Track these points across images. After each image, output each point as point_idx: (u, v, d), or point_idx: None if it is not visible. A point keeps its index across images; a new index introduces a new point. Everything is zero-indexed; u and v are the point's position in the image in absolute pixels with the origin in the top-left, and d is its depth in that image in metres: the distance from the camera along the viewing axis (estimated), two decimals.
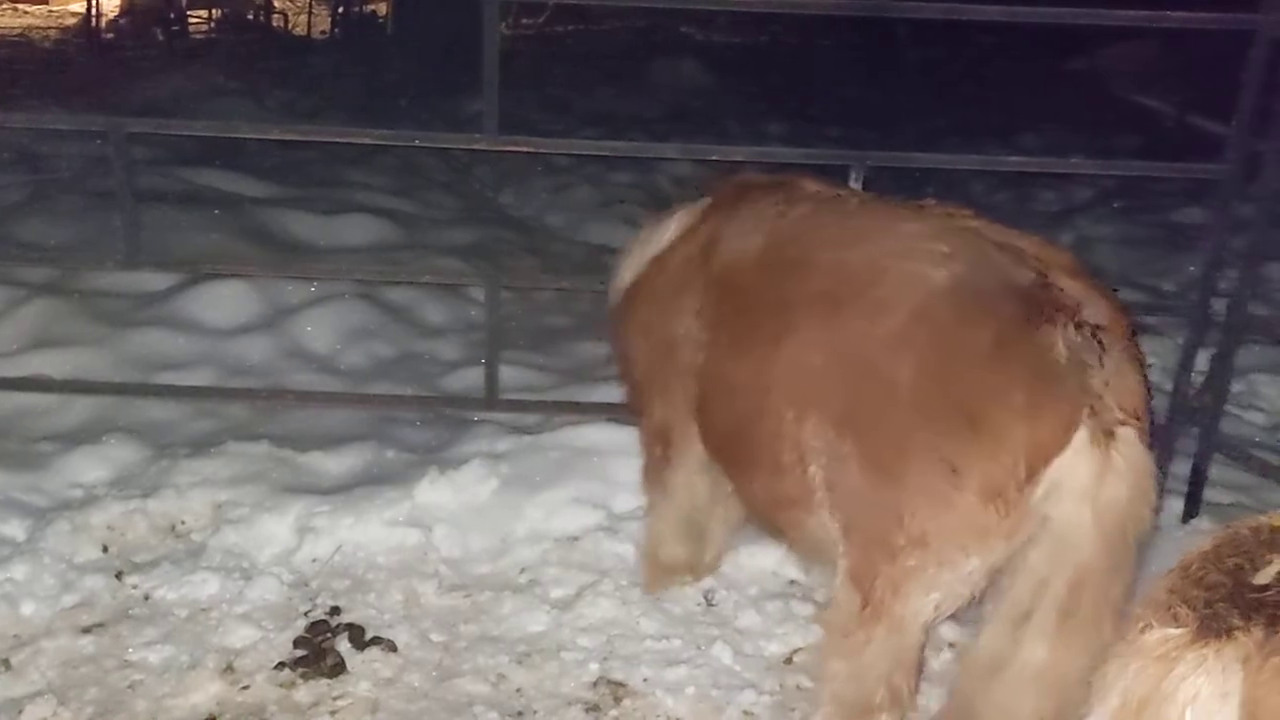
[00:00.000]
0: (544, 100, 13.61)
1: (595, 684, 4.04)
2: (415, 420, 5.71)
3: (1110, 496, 2.92)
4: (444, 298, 7.14)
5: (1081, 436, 2.88)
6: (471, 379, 5.89)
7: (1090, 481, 2.90)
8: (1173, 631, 2.12)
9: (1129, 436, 2.91)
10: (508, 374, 6.02)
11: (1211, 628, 2.10)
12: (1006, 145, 12.17)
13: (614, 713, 3.92)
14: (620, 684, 4.04)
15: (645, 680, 4.05)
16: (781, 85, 16.03)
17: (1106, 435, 2.88)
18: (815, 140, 12.04)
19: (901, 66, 17.26)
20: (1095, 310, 2.97)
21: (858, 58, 17.27)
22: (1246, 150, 4.33)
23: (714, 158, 4.54)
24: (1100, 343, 2.91)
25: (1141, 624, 2.24)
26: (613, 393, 5.85)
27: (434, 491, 4.91)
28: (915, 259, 3.13)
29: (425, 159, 10.17)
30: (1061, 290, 2.98)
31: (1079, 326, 2.91)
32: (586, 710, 3.93)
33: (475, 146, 5.89)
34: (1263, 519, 2.53)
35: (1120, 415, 2.90)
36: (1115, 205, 10.46)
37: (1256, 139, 4.32)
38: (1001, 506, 2.92)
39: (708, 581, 4.54)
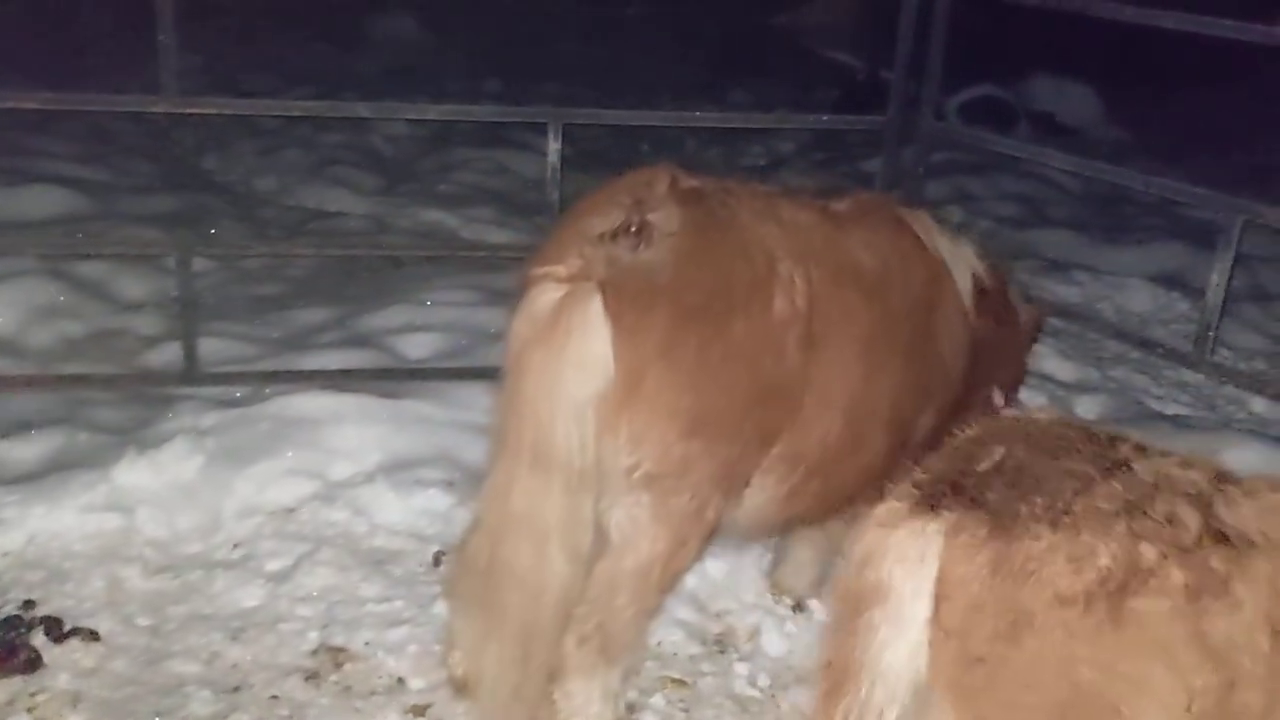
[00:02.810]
0: (252, 58, 12.99)
1: (315, 652, 4.01)
2: (111, 400, 5.41)
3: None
4: (141, 270, 6.75)
5: (542, 292, 3.18)
6: (173, 354, 5.64)
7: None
8: (896, 504, 2.51)
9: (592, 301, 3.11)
10: (214, 346, 5.81)
11: (925, 503, 2.48)
12: (718, 101, 12.60)
13: (334, 678, 3.91)
14: (341, 649, 4.03)
15: (367, 643, 4.05)
16: (499, 42, 15.93)
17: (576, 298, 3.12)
18: (532, 98, 12.06)
19: (621, 24, 17.49)
20: (666, 223, 3.23)
21: (577, 15, 17.36)
22: (905, 98, 4.68)
23: (410, 116, 4.49)
24: (642, 240, 3.18)
25: (885, 498, 2.61)
26: (325, 359, 5.77)
27: (134, 472, 4.69)
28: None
29: (117, 123, 9.54)
30: (641, 204, 3.26)
31: (631, 227, 3.19)
32: (306, 679, 3.89)
33: (153, 109, 5.57)
34: (1042, 415, 2.85)
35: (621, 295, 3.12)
36: (817, 158, 11.07)
37: (915, 86, 4.67)
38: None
39: (435, 545, 4.56)
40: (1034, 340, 4.62)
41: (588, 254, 3.16)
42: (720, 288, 3.23)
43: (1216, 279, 4.81)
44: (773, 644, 4.22)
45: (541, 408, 3.14)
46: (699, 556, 3.62)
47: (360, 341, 6.11)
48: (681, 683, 4.00)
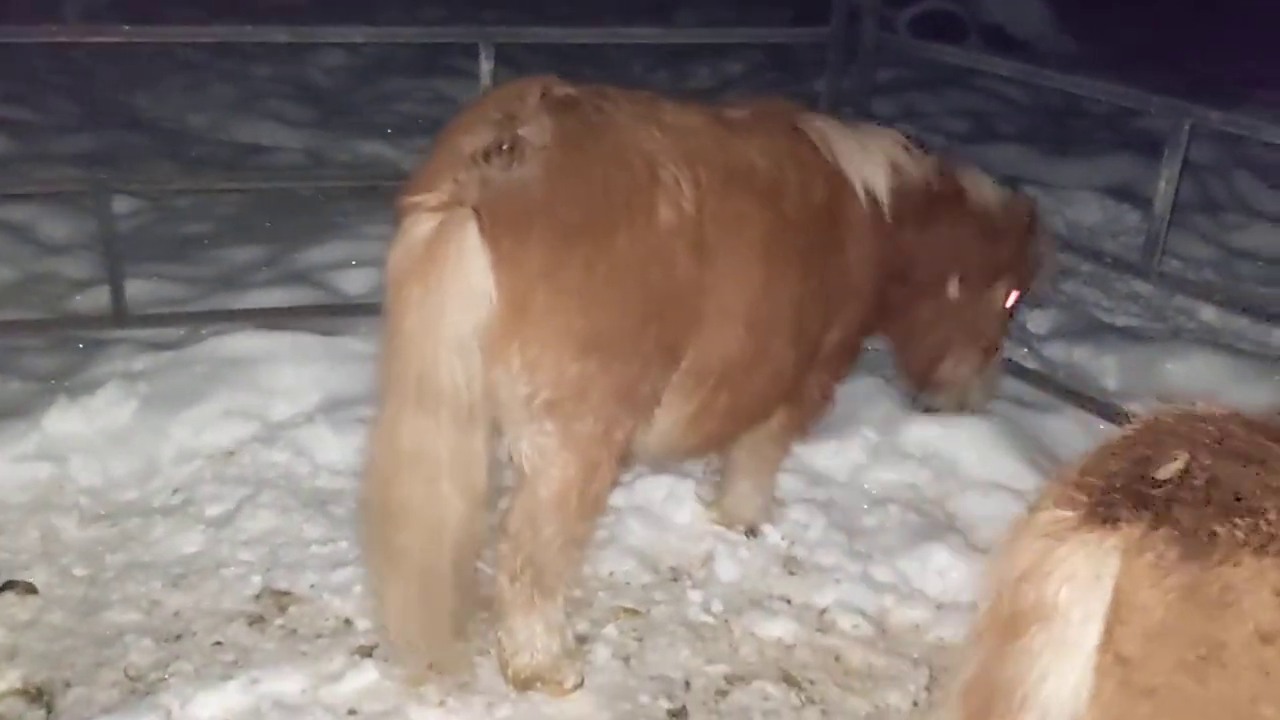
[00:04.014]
0: None
1: (258, 596, 3.92)
2: (40, 346, 5.23)
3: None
4: (67, 212, 6.53)
5: (415, 222, 3.04)
6: (104, 297, 5.46)
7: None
8: (1063, 513, 2.18)
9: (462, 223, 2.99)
10: (145, 288, 5.64)
11: (1099, 515, 2.15)
12: (665, 21, 12.34)
13: (279, 621, 3.83)
14: (285, 593, 3.94)
15: (312, 586, 3.97)
16: None
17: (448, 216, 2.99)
18: (477, 20, 11.74)
19: None
20: (538, 136, 3.07)
21: None
22: (849, 10, 4.55)
23: (333, 40, 4.30)
24: (514, 157, 3.02)
25: (1041, 504, 2.29)
26: (260, 298, 5.61)
27: (65, 420, 4.54)
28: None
29: (38, 60, 9.18)
30: (512, 119, 3.09)
31: (502, 144, 3.02)
32: (250, 623, 3.81)
33: (56, 39, 5.29)
34: (1197, 407, 2.47)
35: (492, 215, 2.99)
36: (767, 78, 10.88)
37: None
38: None
39: None
40: (1022, 230, 4.39)
41: (460, 177, 2.99)
42: (600, 200, 3.08)
43: (1164, 187, 4.75)
44: (726, 570, 4.18)
45: (424, 344, 3.00)
46: (616, 479, 3.52)
47: (296, 279, 5.95)
48: (634, 612, 3.96)
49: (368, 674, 3.55)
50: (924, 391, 4.75)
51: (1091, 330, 6.21)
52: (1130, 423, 2.42)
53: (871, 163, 3.95)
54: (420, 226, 3.00)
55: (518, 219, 2.97)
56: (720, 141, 3.45)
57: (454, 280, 2.95)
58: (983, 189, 4.34)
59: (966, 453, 4.93)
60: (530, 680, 3.45)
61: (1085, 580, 2.11)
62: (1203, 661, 2.09)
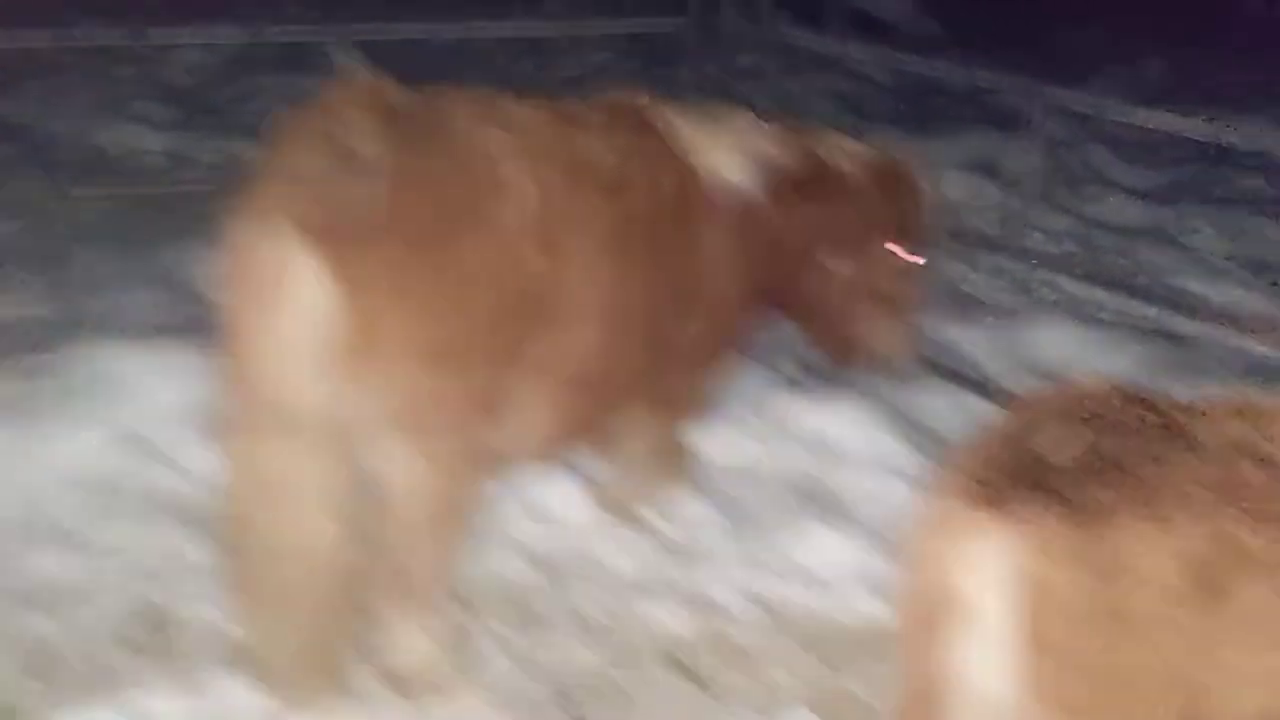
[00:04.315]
0: None
1: (133, 616, 3.81)
2: None
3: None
4: None
5: (248, 243, 2.98)
6: None
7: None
8: (963, 506, 2.26)
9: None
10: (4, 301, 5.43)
11: (997, 504, 2.22)
12: (535, 13, 12.25)
13: (155, 640, 3.73)
14: (160, 610, 3.84)
15: (188, 604, 3.85)
16: None
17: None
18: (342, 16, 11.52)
19: None
20: (370, 145, 2.98)
21: None
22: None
23: (194, 41, 4.17)
24: (347, 169, 2.95)
25: (941, 499, 2.36)
26: (125, 307, 5.44)
27: None
28: None
29: None
30: (342, 129, 3.01)
31: (334, 156, 2.96)
32: (123, 645, 3.70)
33: None
34: (1085, 384, 2.57)
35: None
36: (631, 67, 10.88)
37: None
38: None
39: None
40: (893, 185, 4.29)
41: (291, 191, 2.92)
42: (439, 206, 3.04)
43: (1023, 164, 4.92)
44: (613, 561, 4.21)
45: (270, 369, 2.92)
46: (482, 485, 3.46)
47: (166, 287, 5.78)
48: (523, 609, 3.96)
49: (246, 692, 3.46)
50: (850, 363, 4.65)
51: (959, 305, 6.39)
52: (1011, 403, 2.54)
53: (724, 149, 3.92)
54: (252, 244, 2.91)
55: (355, 231, 2.90)
56: (564, 138, 3.42)
57: (295, 302, 2.87)
58: (844, 154, 4.27)
59: (845, 431, 5.05)
60: (417, 688, 3.41)
61: (993, 570, 2.20)
62: (1111, 627, 2.20)
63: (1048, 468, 2.25)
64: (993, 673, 2.22)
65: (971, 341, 6.06)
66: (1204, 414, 2.44)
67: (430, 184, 3.05)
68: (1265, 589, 2.24)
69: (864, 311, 4.39)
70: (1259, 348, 5.82)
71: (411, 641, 3.36)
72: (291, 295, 2.88)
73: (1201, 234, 8.13)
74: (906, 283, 4.50)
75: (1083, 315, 6.49)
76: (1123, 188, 8.92)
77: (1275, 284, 7.26)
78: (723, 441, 4.87)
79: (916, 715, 2.35)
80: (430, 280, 3.00)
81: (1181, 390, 5.71)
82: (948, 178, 8.42)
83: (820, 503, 4.66)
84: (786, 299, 4.34)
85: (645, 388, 3.88)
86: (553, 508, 4.40)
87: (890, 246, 4.36)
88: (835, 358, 4.66)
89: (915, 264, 4.44)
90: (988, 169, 8.56)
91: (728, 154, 3.92)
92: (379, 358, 3.00)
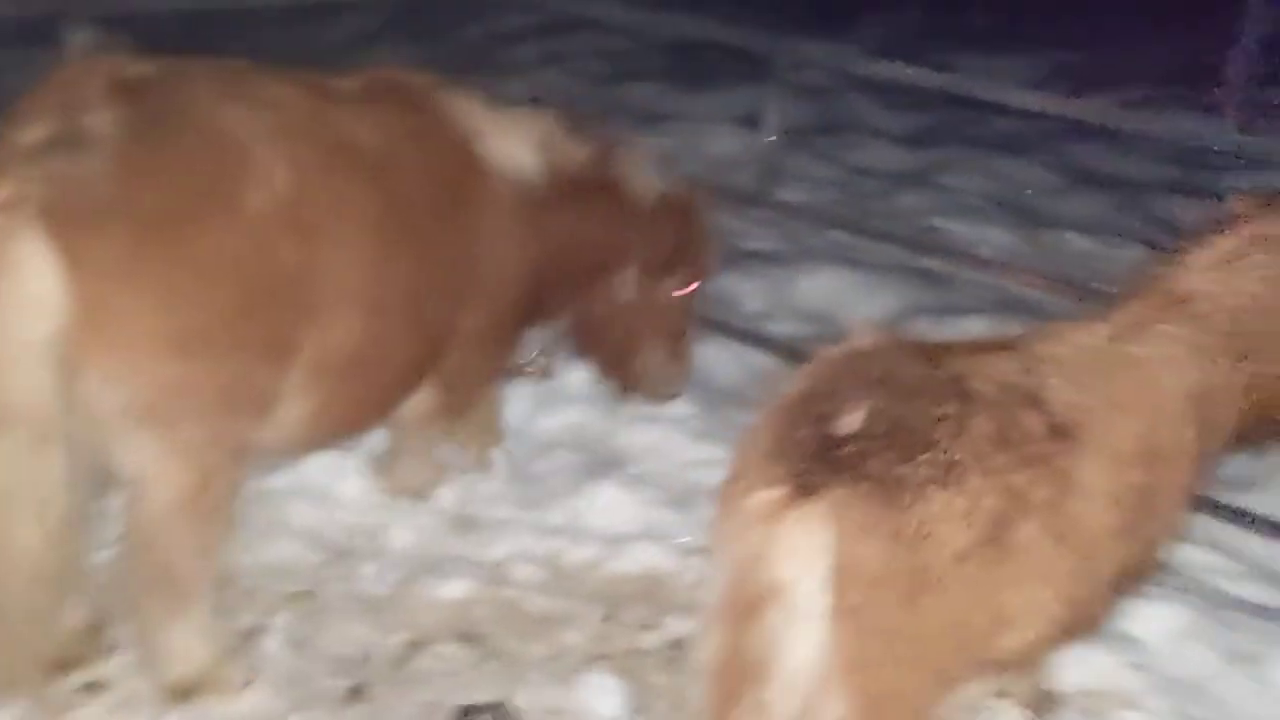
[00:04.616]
0: None
1: None
2: None
3: None
4: None
5: None
6: None
7: None
8: (773, 494, 2.31)
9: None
10: None
11: (803, 486, 2.29)
12: None
13: None
14: None
15: None
16: None
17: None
18: None
19: None
20: (104, 124, 2.85)
21: None
22: None
23: None
24: (79, 149, 2.81)
25: (744, 484, 2.40)
26: None
27: None
28: None
29: None
30: (74, 107, 2.86)
31: (65, 135, 2.81)
32: None
33: None
34: (858, 343, 2.64)
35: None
36: (405, 32, 10.64)
37: None
38: None
39: None
40: (684, 220, 4.32)
41: (18, 174, 2.74)
42: (181, 189, 2.90)
43: (785, 116, 5.06)
44: (398, 539, 4.16)
45: None
46: (237, 481, 3.30)
47: None
48: (305, 595, 3.87)
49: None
50: (627, 390, 4.65)
51: (731, 257, 6.54)
52: (799, 370, 2.60)
53: (516, 144, 3.84)
54: None
55: (87, 216, 2.75)
56: (321, 116, 3.29)
57: (19, 289, 2.70)
58: (642, 179, 4.25)
59: None
60: (192, 691, 3.28)
61: (806, 553, 2.28)
62: (916, 592, 2.32)
63: (844, 440, 2.34)
64: (805, 648, 2.32)
65: (744, 292, 6.23)
66: (976, 358, 2.60)
67: (167, 167, 2.90)
68: (1036, 529, 2.43)
69: (645, 340, 4.45)
70: (1011, 285, 6.20)
71: (182, 646, 3.22)
72: (14, 279, 2.71)
73: (958, 176, 8.57)
74: (684, 316, 4.56)
75: (849, 260, 6.75)
76: (883, 134, 9.30)
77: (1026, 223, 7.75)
78: (506, 407, 4.86)
79: (730, 694, 2.41)
80: (167, 266, 2.85)
81: (948, 331, 6.09)
82: (719, 132, 8.62)
83: (604, 460, 4.72)
84: (567, 315, 4.35)
85: (424, 374, 3.79)
86: (332, 490, 4.30)
87: (672, 279, 4.40)
88: (614, 384, 4.66)
89: (692, 293, 4.51)
90: (756, 121, 8.76)
91: (518, 150, 3.84)
92: (116, 347, 2.85)
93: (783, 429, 2.42)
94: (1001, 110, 9.30)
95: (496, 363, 4.25)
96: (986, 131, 9.52)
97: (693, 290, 4.51)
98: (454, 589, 3.94)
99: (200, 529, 3.15)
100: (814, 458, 2.32)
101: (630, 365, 4.51)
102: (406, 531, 4.19)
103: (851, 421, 2.35)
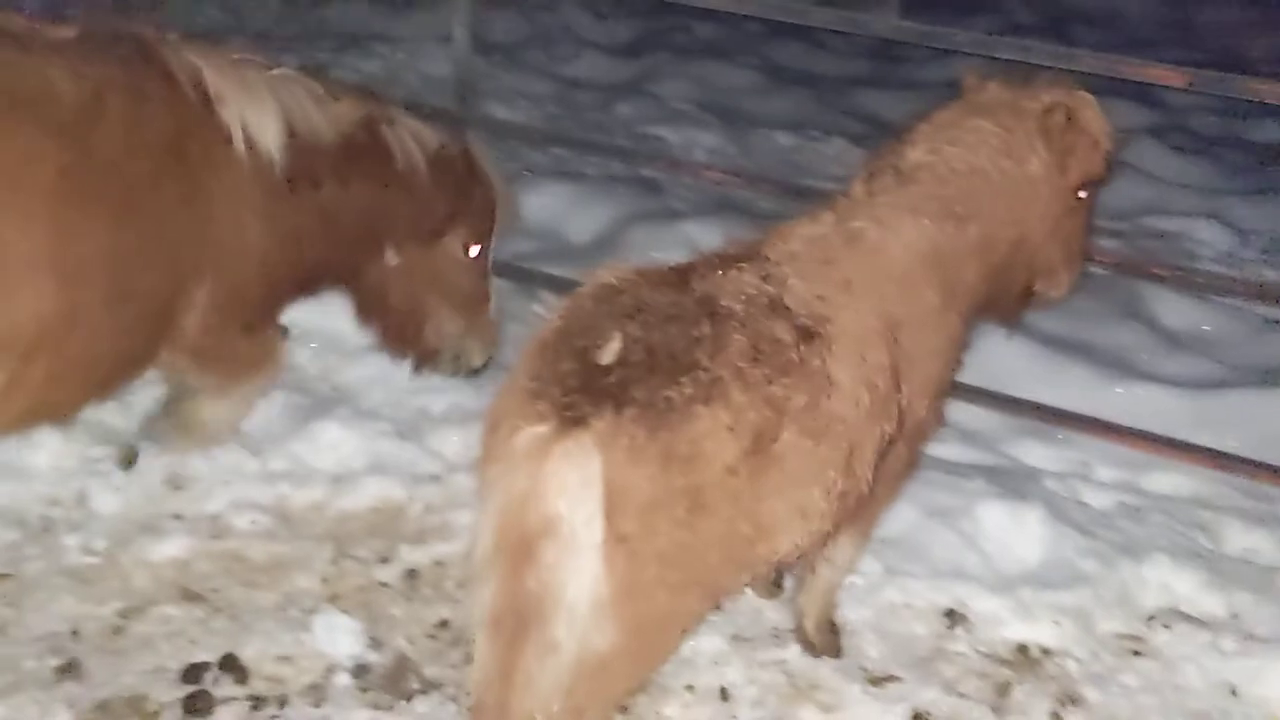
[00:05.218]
0: None
1: None
2: None
3: None
4: None
5: None
6: None
7: None
8: (538, 429, 2.23)
9: None
10: None
11: (569, 419, 2.22)
12: None
13: None
14: None
15: None
16: None
17: None
18: None
19: None
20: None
21: None
22: None
23: None
24: None
25: (508, 425, 2.31)
26: None
27: None
28: None
29: None
30: None
31: None
32: None
33: None
34: (607, 278, 2.55)
35: None
36: None
37: None
38: None
39: None
40: (460, 178, 4.07)
41: None
42: None
43: (500, 32, 4.93)
44: (104, 504, 3.92)
45: None
46: None
47: None
48: (3, 578, 3.60)
49: None
50: (421, 362, 4.37)
51: None
52: (554, 309, 2.58)
53: (259, 109, 3.53)
54: None
55: None
56: (14, 66, 3.01)
57: None
58: (410, 141, 3.97)
59: (343, 323, 4.95)
60: None
61: (576, 486, 2.25)
62: (690, 511, 2.34)
63: (606, 370, 2.32)
64: (587, 583, 2.30)
65: None
66: (720, 276, 2.62)
67: None
68: (794, 433, 2.48)
69: (432, 309, 4.19)
70: (720, 187, 6.37)
71: None
72: None
73: (667, 83, 8.69)
74: (478, 278, 4.28)
75: (569, 174, 6.76)
76: (596, 45, 9.31)
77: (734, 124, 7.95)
78: None
79: (523, 642, 2.37)
80: None
81: (668, 235, 6.17)
82: (433, 52, 8.39)
83: (326, 399, 4.59)
84: (344, 287, 4.10)
85: (150, 348, 3.51)
86: (21, 461, 4.00)
87: (455, 240, 4.14)
88: (406, 357, 4.36)
89: (482, 259, 4.25)
90: (475, 40, 8.60)
91: (261, 116, 3.53)
92: None
93: (541, 366, 2.39)
94: (706, 15, 9.52)
95: (250, 334, 3.88)
96: (692, 38, 9.68)
97: (482, 253, 4.25)
98: (170, 548, 3.77)
99: None
100: (576, 391, 2.30)
101: (420, 337, 4.25)
102: (111, 495, 3.95)
103: (609, 352, 2.35)
